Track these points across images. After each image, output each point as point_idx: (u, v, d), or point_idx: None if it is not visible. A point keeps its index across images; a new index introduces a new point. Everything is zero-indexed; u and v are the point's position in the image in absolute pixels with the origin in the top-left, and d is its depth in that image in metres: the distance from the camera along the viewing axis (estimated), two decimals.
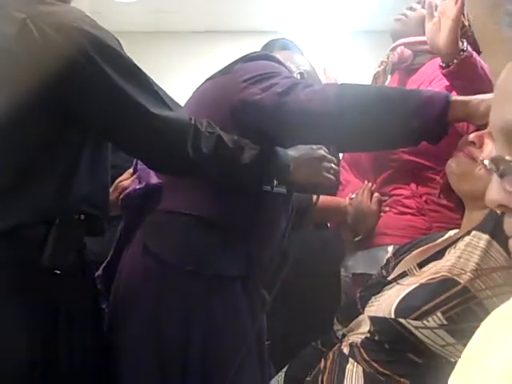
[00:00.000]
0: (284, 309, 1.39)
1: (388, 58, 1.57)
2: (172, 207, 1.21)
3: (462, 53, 1.22)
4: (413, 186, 1.48)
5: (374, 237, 1.54)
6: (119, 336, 1.17)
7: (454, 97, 1.07)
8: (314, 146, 1.27)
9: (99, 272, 1.28)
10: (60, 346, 1.02)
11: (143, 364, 1.14)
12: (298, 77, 1.42)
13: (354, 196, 1.60)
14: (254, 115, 1.16)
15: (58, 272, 1.01)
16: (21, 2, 1.00)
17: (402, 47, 1.55)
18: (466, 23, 1.47)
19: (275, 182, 1.20)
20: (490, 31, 0.50)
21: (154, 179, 1.25)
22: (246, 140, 1.15)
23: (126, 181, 1.38)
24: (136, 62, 1.07)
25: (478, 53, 1.43)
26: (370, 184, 1.58)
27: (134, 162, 1.37)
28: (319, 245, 1.69)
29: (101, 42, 0.99)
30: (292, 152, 1.23)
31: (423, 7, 1.52)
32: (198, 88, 1.34)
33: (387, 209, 1.54)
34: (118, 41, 1.05)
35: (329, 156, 1.28)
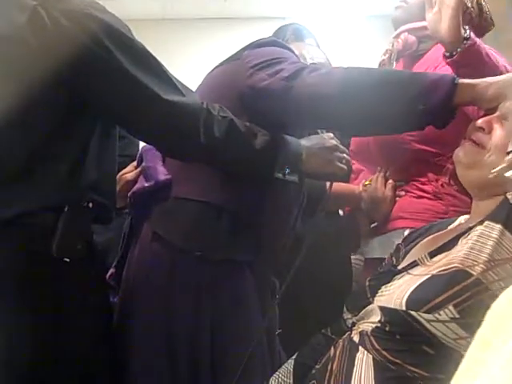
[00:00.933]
0: (295, 296, 1.39)
1: (393, 46, 1.55)
2: (180, 194, 1.21)
3: (465, 41, 1.19)
4: (429, 175, 1.47)
5: (390, 221, 1.53)
6: (129, 323, 1.18)
7: (462, 80, 1.04)
8: (326, 136, 1.27)
9: (112, 270, 1.29)
10: (68, 335, 1.02)
11: (153, 351, 1.15)
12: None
13: (367, 183, 1.59)
14: (262, 100, 1.16)
15: (67, 260, 1.02)
16: None
17: (406, 34, 1.53)
18: (469, 4, 1.45)
19: (287, 169, 1.19)
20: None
21: (162, 176, 1.25)
22: (258, 127, 1.15)
23: (130, 173, 1.38)
24: None
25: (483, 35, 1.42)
26: (383, 170, 1.57)
27: (138, 156, 1.37)
28: (331, 232, 1.69)
29: (112, 28, 0.99)
30: (304, 141, 1.24)
31: None
32: (207, 75, 1.34)
33: (403, 193, 1.53)
34: (128, 27, 1.04)
35: (341, 146, 1.27)
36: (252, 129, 1.14)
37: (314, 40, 1.70)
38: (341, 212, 1.82)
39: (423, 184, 1.49)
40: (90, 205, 1.07)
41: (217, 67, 1.34)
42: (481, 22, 1.50)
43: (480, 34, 1.50)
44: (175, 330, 1.15)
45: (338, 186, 1.57)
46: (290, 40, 1.62)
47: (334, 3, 4.07)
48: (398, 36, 1.55)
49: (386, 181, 1.57)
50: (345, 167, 1.27)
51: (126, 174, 1.39)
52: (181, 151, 1.13)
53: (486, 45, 1.31)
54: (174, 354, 1.15)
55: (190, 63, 3.84)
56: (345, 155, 1.28)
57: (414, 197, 1.50)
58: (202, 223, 1.20)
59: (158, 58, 1.08)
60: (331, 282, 1.61)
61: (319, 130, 1.32)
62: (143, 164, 1.33)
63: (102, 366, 1.10)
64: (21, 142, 1.01)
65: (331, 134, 1.29)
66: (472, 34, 1.21)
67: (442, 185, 1.44)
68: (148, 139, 1.18)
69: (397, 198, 1.54)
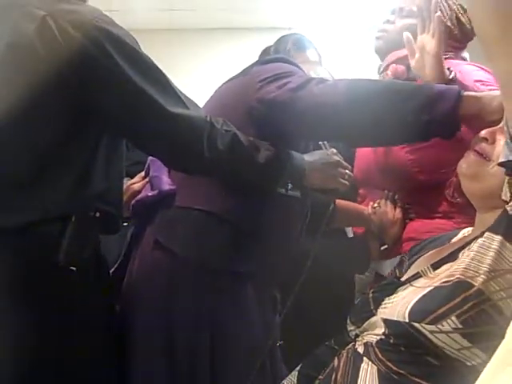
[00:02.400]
0: (298, 309, 1.39)
1: (383, 79, 1.55)
2: (183, 203, 1.23)
3: (450, 82, 1.20)
4: (438, 195, 1.46)
5: (401, 244, 1.52)
6: (130, 331, 1.19)
7: (467, 92, 1.06)
8: (329, 152, 1.28)
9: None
10: (73, 344, 1.03)
11: (152, 358, 1.16)
12: None
13: (376, 205, 1.59)
14: (270, 112, 1.18)
15: (74, 269, 1.02)
16: (41, 0, 1.02)
17: (394, 65, 1.53)
18: (449, 23, 1.48)
19: (289, 185, 1.21)
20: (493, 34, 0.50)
21: (166, 186, 1.26)
22: (263, 142, 1.16)
23: (137, 184, 1.39)
24: None
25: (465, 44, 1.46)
26: (391, 193, 1.57)
27: (146, 166, 1.38)
28: (337, 251, 1.68)
29: (119, 40, 1.01)
30: (307, 156, 1.25)
31: (399, 16, 1.54)
32: (216, 90, 1.36)
33: (413, 215, 1.52)
34: (135, 40, 1.06)
35: (344, 162, 1.29)
36: (255, 143, 1.15)
37: (314, 50, 1.71)
38: (349, 232, 1.80)
39: (432, 204, 1.47)
40: (98, 214, 1.08)
41: (225, 83, 1.36)
42: (462, 34, 1.51)
43: (462, 44, 1.54)
44: (175, 338, 1.16)
45: (348, 205, 1.59)
46: (292, 50, 1.64)
47: (337, 14, 4.09)
48: (386, 68, 1.56)
49: (395, 203, 1.56)
50: (347, 183, 1.28)
51: (133, 184, 1.40)
52: (184, 164, 1.14)
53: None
54: (174, 363, 1.15)
55: (197, 73, 3.86)
56: (347, 171, 1.29)
57: (424, 218, 1.48)
58: (203, 232, 1.20)
59: (164, 67, 1.10)
60: (332, 298, 1.60)
61: (323, 145, 1.33)
62: (150, 174, 1.34)
63: (104, 375, 1.10)
64: (28, 151, 1.02)
65: (334, 150, 1.30)
66: (454, 73, 1.24)
67: (451, 204, 1.43)
68: (151, 151, 1.19)
69: (406, 221, 1.53)
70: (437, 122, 1.04)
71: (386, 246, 1.57)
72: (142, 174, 1.41)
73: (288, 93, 1.14)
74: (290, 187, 1.21)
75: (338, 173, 1.27)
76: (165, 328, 1.16)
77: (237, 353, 1.18)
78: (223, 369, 1.16)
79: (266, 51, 1.76)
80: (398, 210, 1.54)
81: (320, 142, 1.33)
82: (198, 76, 3.80)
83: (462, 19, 1.50)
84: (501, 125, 1.00)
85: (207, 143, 1.07)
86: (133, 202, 1.32)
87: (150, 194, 1.28)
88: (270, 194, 1.21)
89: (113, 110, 1.04)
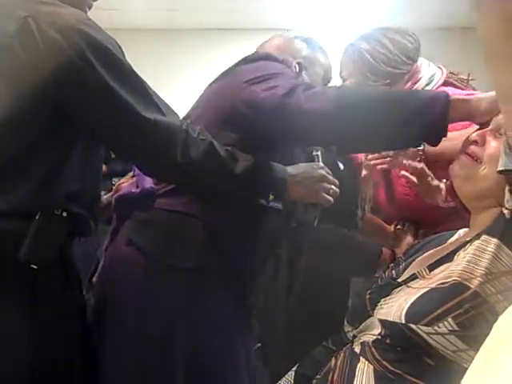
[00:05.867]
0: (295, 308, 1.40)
1: None
2: (161, 205, 1.22)
3: None
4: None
5: None
6: (101, 324, 1.18)
7: (454, 96, 1.07)
8: (315, 165, 1.25)
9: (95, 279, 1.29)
10: (34, 343, 1.01)
11: (125, 356, 1.15)
12: (297, 68, 1.41)
13: (399, 227, 1.61)
14: (256, 115, 1.17)
15: (35, 267, 1.01)
16: (24, 1, 1.02)
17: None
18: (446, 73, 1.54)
19: (271, 196, 1.18)
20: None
21: (147, 184, 1.26)
22: (242, 153, 1.15)
23: (125, 183, 1.39)
24: (147, 60, 1.08)
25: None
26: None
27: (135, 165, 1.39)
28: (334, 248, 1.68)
29: (98, 45, 1.02)
30: (291, 169, 1.22)
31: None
32: (203, 91, 1.35)
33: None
34: (119, 46, 1.07)
35: (330, 177, 1.25)
36: (233, 153, 1.14)
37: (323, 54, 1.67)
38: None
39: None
40: (64, 214, 1.06)
41: (211, 84, 1.34)
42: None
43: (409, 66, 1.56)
44: (146, 337, 1.15)
45: (374, 220, 1.62)
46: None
47: (335, 16, 4.09)
48: None
49: (416, 229, 1.58)
50: (330, 199, 1.24)
51: (122, 183, 1.40)
52: (156, 169, 1.14)
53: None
54: (145, 361, 1.14)
55: (193, 73, 3.85)
56: (333, 186, 1.25)
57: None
58: (175, 232, 1.20)
59: (162, 67, 1.10)
60: (326, 299, 1.61)
61: (316, 157, 1.31)
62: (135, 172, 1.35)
63: (75, 370, 1.09)
64: (1, 149, 1.02)
65: (321, 164, 1.27)
66: None
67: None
68: (124, 155, 1.19)
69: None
70: (426, 128, 1.04)
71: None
72: (132, 173, 1.41)
73: (275, 99, 1.13)
74: (271, 198, 1.18)
75: (322, 187, 1.23)
76: (136, 323, 1.15)
77: (212, 356, 1.17)
78: (197, 370, 1.15)
79: None
80: (419, 235, 1.55)
81: (314, 153, 1.31)
82: (195, 76, 3.79)
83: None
84: (490, 127, 1.01)
85: (181, 151, 1.06)
86: (115, 195, 1.32)
87: (132, 191, 1.29)
88: (250, 205, 1.20)
89: (88, 113, 1.05)
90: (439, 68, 1.58)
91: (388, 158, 1.48)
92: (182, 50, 4.13)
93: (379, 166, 1.50)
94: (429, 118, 1.03)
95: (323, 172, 1.24)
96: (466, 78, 1.57)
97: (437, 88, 1.50)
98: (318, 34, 4.01)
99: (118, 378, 1.15)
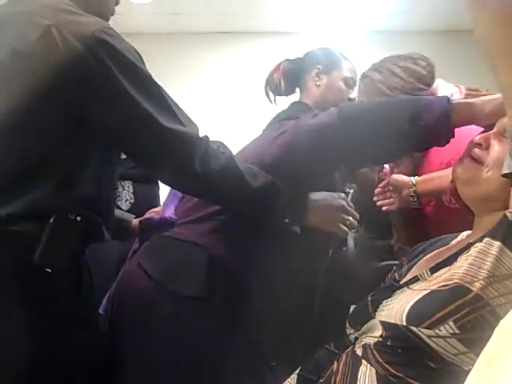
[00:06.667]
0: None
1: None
2: (173, 233, 1.27)
3: None
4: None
5: None
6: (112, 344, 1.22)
7: (457, 100, 1.08)
8: (337, 195, 1.26)
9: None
10: (46, 344, 1.02)
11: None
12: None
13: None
14: (281, 155, 1.23)
15: (49, 271, 1.02)
16: (47, 10, 1.05)
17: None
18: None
19: (287, 219, 1.19)
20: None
21: (168, 213, 1.33)
22: (263, 171, 1.17)
23: (157, 210, 1.50)
24: (150, 63, 1.10)
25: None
26: None
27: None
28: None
29: (119, 53, 1.03)
30: (312, 195, 1.23)
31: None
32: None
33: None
34: (139, 54, 1.08)
35: (350, 209, 1.25)
36: (253, 170, 1.16)
37: (347, 61, 1.62)
38: None
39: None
40: (78, 218, 1.07)
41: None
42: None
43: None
44: (151, 363, 1.17)
45: None
46: (326, 68, 1.57)
47: (333, 19, 4.10)
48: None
49: None
50: (346, 230, 1.24)
51: (154, 212, 1.51)
52: (175, 179, 1.15)
53: None
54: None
55: (195, 77, 3.87)
56: (350, 218, 1.25)
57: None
58: (182, 260, 1.22)
59: (164, 71, 1.11)
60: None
61: (348, 188, 1.34)
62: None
63: (87, 372, 1.10)
64: (21, 151, 1.03)
65: (343, 195, 1.27)
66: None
67: None
68: (143, 164, 1.21)
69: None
70: (428, 129, 1.05)
71: None
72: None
73: (291, 130, 1.20)
74: (287, 221, 1.19)
75: (339, 218, 1.24)
76: (144, 343, 1.18)
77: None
78: None
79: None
80: None
81: (347, 190, 1.34)
82: (197, 80, 3.81)
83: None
84: (494, 130, 1.01)
85: (200, 161, 1.08)
86: (141, 219, 1.41)
87: (154, 217, 1.37)
88: (266, 226, 1.20)
89: (107, 121, 1.06)
90: (457, 87, 1.58)
91: (391, 199, 1.51)
92: (184, 54, 4.14)
93: (384, 208, 1.52)
94: (430, 121, 1.04)
95: (343, 202, 1.25)
96: (485, 93, 1.58)
97: None
98: (317, 37, 4.07)
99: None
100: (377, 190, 1.56)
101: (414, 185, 1.45)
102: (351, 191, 1.34)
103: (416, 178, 1.47)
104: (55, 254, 1.03)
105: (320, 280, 1.41)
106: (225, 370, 1.17)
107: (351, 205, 1.27)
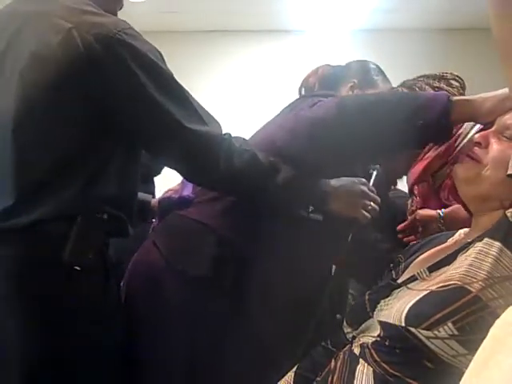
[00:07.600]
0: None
1: None
2: (186, 213, 1.28)
3: None
4: None
5: None
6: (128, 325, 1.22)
7: (457, 96, 1.08)
8: (357, 180, 1.25)
9: None
10: (76, 341, 1.04)
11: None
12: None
13: None
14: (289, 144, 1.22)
15: (78, 268, 1.04)
16: (68, 11, 1.05)
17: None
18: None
19: (311, 208, 1.20)
20: None
21: (186, 192, 1.39)
22: (285, 165, 1.17)
23: (173, 189, 1.55)
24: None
25: None
26: None
27: None
28: None
29: (141, 54, 1.04)
30: (333, 181, 1.23)
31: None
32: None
33: None
34: (160, 53, 1.09)
35: (371, 194, 1.25)
36: (276, 164, 1.16)
37: (386, 81, 1.60)
38: None
39: None
40: (105, 216, 1.09)
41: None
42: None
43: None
44: (160, 340, 1.19)
45: None
46: (361, 84, 1.55)
47: (319, 18, 4.09)
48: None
49: None
50: (368, 215, 1.24)
51: (172, 189, 1.57)
52: (200, 177, 1.18)
53: None
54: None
55: (194, 76, 3.84)
56: (372, 203, 1.25)
57: None
58: (191, 240, 1.24)
59: (176, 71, 1.12)
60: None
61: (371, 173, 1.33)
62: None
63: (113, 369, 1.12)
64: (48, 152, 1.05)
65: (364, 180, 1.27)
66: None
67: None
68: (168, 163, 1.23)
69: None
70: (428, 126, 1.05)
71: None
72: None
73: (293, 120, 1.21)
74: (311, 209, 1.20)
75: (361, 203, 1.24)
76: (151, 327, 1.20)
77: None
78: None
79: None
80: None
81: (370, 171, 1.32)
82: (196, 79, 3.78)
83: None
84: (493, 128, 1.01)
85: (224, 159, 1.10)
86: (159, 198, 1.45)
87: (172, 196, 1.43)
88: (289, 216, 1.21)
89: (131, 122, 1.08)
90: None
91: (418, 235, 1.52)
92: (182, 53, 4.11)
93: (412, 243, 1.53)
94: (430, 117, 1.04)
95: (364, 188, 1.25)
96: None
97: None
98: (324, 35, 4.05)
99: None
100: (402, 227, 1.57)
101: (443, 218, 1.45)
102: (374, 172, 1.32)
103: (443, 210, 1.47)
104: (84, 252, 1.05)
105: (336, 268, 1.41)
106: (226, 354, 1.19)
107: (373, 189, 1.26)
